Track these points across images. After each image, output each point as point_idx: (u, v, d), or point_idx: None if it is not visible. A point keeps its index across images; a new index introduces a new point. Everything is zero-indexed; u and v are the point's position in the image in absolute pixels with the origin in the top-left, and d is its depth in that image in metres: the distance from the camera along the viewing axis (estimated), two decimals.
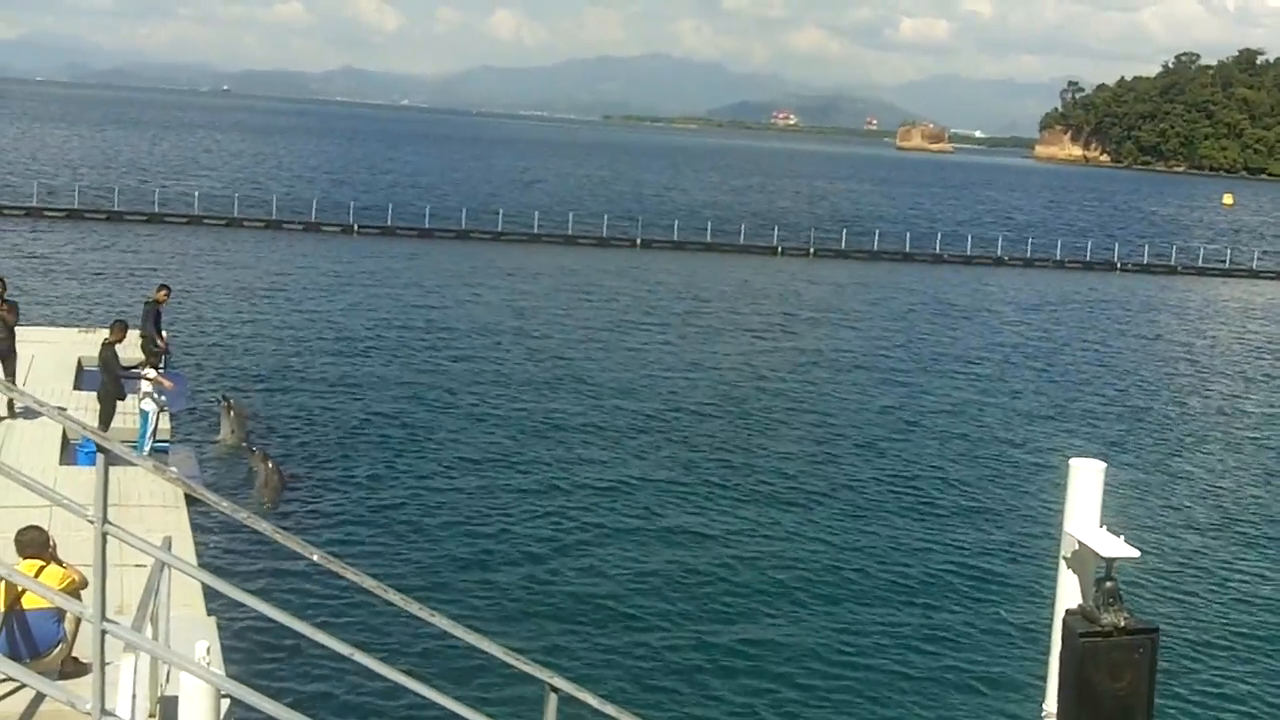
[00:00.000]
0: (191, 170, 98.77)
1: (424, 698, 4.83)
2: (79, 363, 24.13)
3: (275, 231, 62.30)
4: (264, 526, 4.67)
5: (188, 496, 16.20)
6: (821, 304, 51.00)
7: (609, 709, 4.94)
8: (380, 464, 23.42)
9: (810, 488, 24.06)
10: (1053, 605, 5.73)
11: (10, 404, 20.89)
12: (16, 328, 21.82)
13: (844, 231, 74.76)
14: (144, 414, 19.23)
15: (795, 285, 56.96)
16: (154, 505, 15.54)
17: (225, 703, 8.09)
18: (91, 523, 4.78)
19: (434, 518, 20.61)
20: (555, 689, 4.86)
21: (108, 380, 19.66)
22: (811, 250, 70.52)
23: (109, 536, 4.89)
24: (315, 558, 4.60)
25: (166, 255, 50.81)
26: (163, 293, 23.48)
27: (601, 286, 50.82)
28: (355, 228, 64.77)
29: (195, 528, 14.73)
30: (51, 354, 24.70)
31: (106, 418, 19.51)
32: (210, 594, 12.57)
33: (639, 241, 68.12)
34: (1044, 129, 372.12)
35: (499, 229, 67.12)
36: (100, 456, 4.80)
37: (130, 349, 23.84)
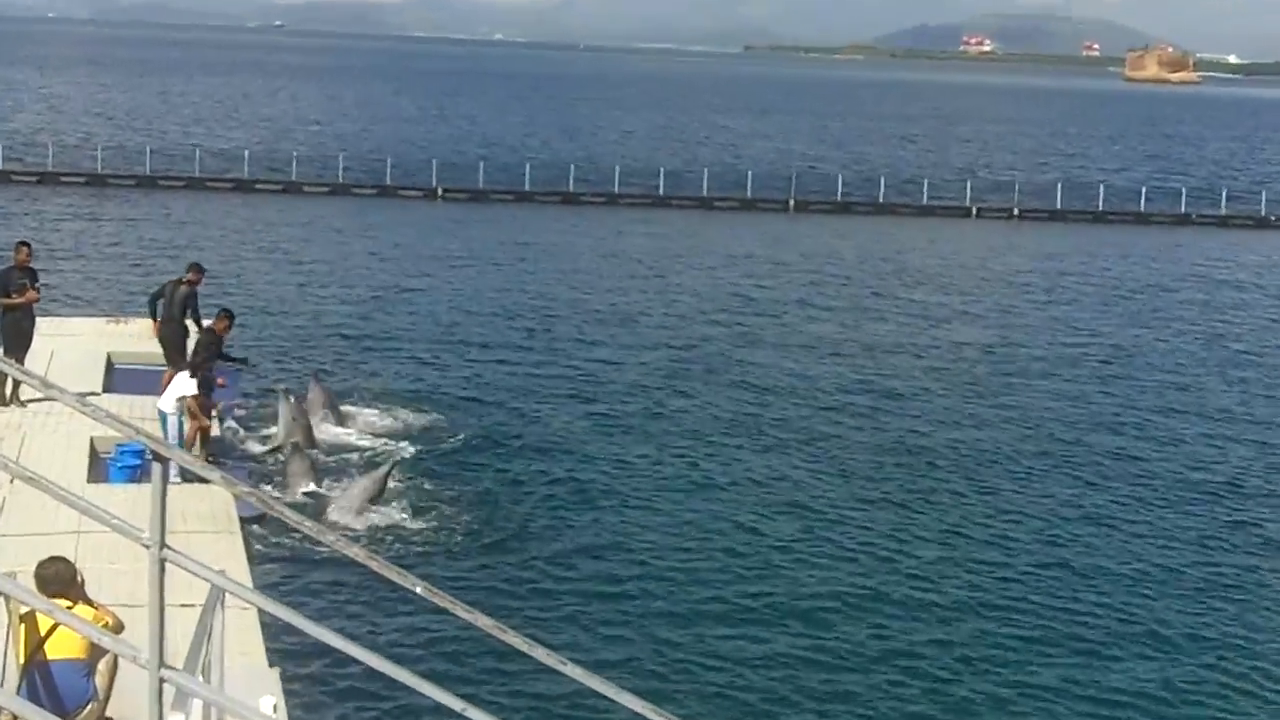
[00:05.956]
0: (238, 125, 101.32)
1: None
2: (109, 359, 24.83)
3: (342, 197, 63.58)
4: (355, 552, 4.74)
5: (243, 520, 16.63)
6: (1032, 275, 50.20)
7: None
8: (492, 470, 24.11)
9: (1039, 482, 24.66)
10: None
11: (13, 392, 21.51)
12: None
13: (1059, 187, 73.57)
14: (164, 416, 19.70)
15: (998, 253, 56.17)
16: (201, 531, 15.96)
17: None
18: (148, 547, 4.90)
19: (546, 533, 21.09)
20: None
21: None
22: (1016, 211, 69.49)
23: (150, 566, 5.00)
24: (419, 590, 4.66)
25: (211, 227, 52.24)
26: (194, 274, 23.96)
27: (753, 258, 50.79)
28: (439, 191, 65.75)
29: (254, 558, 15.11)
30: (75, 348, 25.37)
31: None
32: (272, 639, 12.90)
33: (793, 204, 67.93)
34: None
35: (615, 190, 67.49)
36: (157, 467, 4.93)
37: (153, 341, 24.55)
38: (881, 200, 69.89)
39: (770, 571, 20.66)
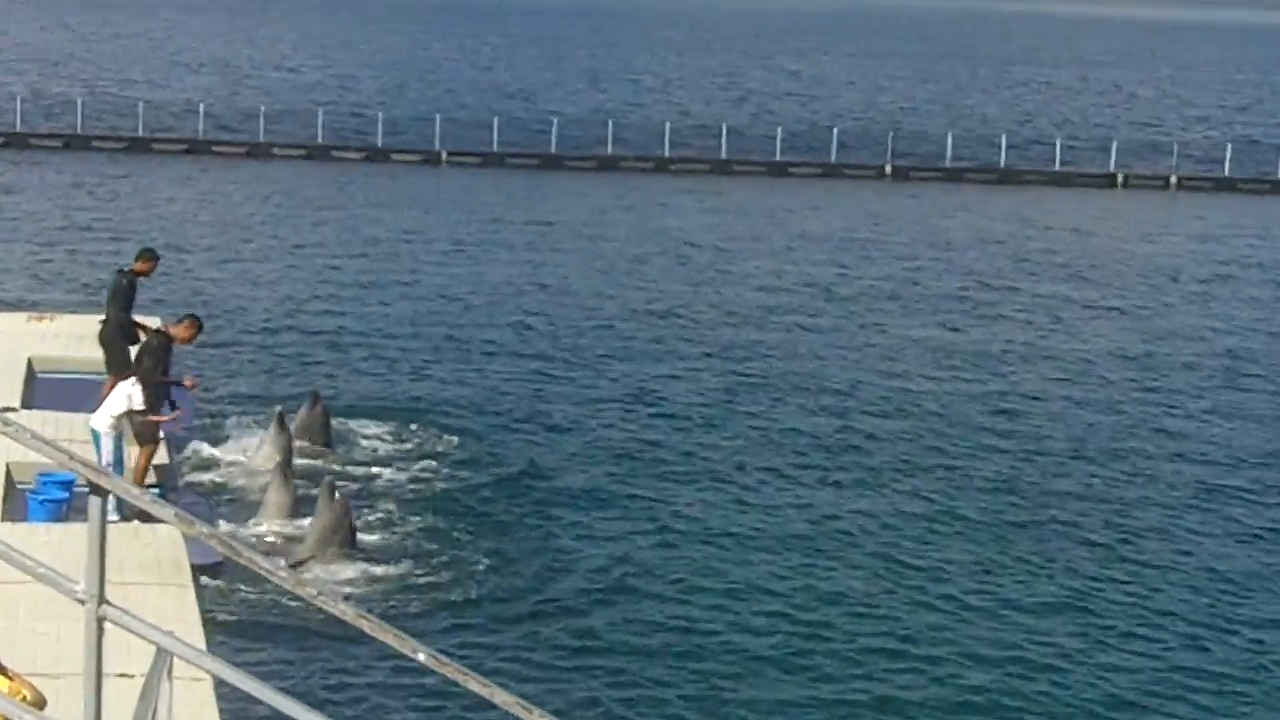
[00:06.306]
0: (187, 71, 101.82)
1: None
2: (29, 366, 25.00)
3: (321, 163, 63.83)
4: (341, 609, 4.78)
5: (197, 568, 16.73)
6: (1193, 261, 49.88)
7: None
8: (513, 505, 24.20)
9: (1201, 527, 24.79)
10: None
11: None
12: None
13: (1228, 149, 73.12)
14: (97, 436, 19.79)
15: (1150, 233, 55.89)
16: (145, 582, 16.04)
17: None
18: (82, 602, 4.95)
19: (577, 587, 21.28)
20: None
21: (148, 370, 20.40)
22: (1174, 179, 69.09)
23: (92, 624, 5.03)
24: (422, 658, 4.69)
25: (160, 200, 52.55)
26: (144, 263, 24.08)
27: (837, 239, 50.63)
28: (443, 155, 65.93)
29: (210, 616, 15.17)
30: None
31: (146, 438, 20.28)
32: (232, 717, 12.98)
33: (889, 169, 67.79)
34: None
35: (664, 154, 67.52)
36: (95, 501, 4.97)
37: (86, 343, 24.67)
38: (1002, 165, 69.53)
39: (854, 649, 20.27)
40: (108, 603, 4.98)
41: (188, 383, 22.49)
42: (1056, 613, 21.84)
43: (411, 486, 24.63)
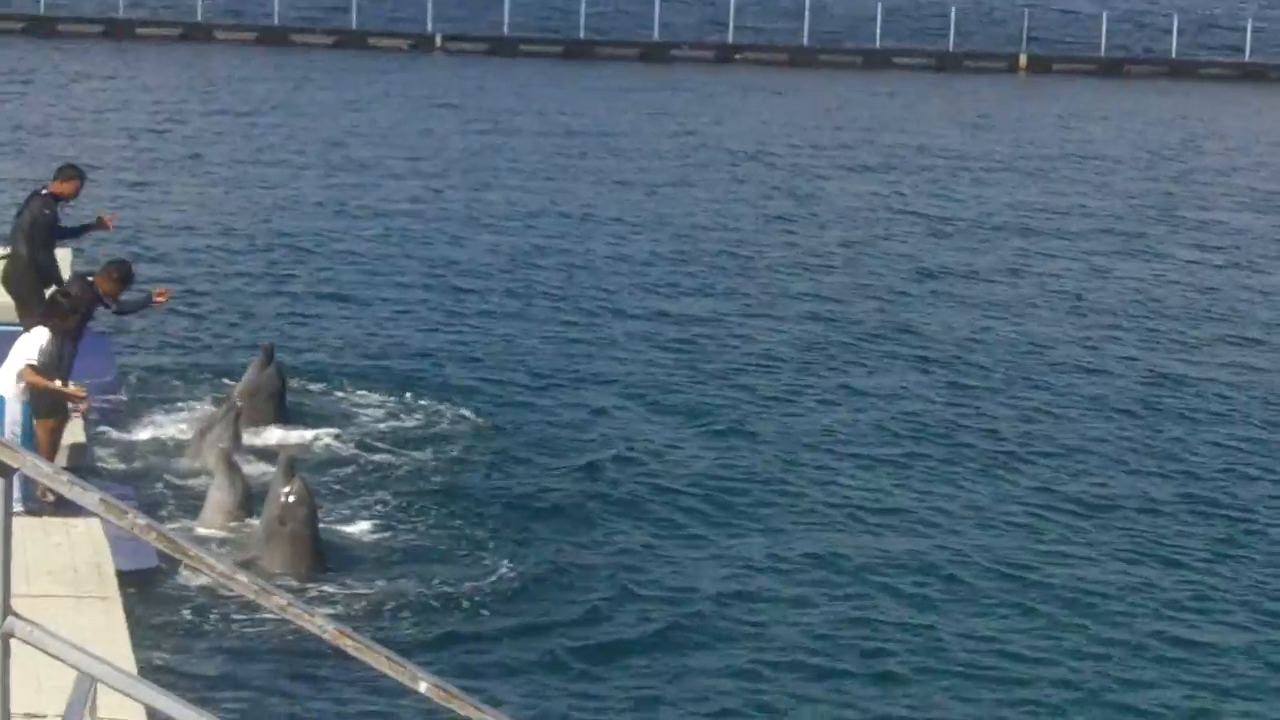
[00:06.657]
0: None
1: None
2: None
3: (279, 50, 63.88)
4: (318, 624, 4.84)
5: (125, 575, 16.89)
6: None
7: None
8: (530, 497, 24.25)
9: None
10: None
11: None
12: None
13: None
14: (1, 403, 19.90)
15: None
16: (60, 593, 16.22)
17: None
18: None
19: (612, 602, 21.06)
20: None
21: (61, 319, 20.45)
22: None
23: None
24: (423, 689, 4.75)
25: (72, 97, 52.62)
26: (64, 182, 24.08)
27: (953, 151, 50.54)
28: (438, 40, 65.91)
29: (141, 633, 15.28)
30: None
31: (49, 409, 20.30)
32: None
33: (1024, 60, 67.56)
34: None
35: (728, 39, 67.46)
36: None
37: None
38: (1173, 55, 69.29)
39: (976, 706, 20.27)
40: (15, 615, 5.02)
41: (159, 295, 22.83)
42: (1243, 658, 21.35)
43: (399, 474, 24.52)
